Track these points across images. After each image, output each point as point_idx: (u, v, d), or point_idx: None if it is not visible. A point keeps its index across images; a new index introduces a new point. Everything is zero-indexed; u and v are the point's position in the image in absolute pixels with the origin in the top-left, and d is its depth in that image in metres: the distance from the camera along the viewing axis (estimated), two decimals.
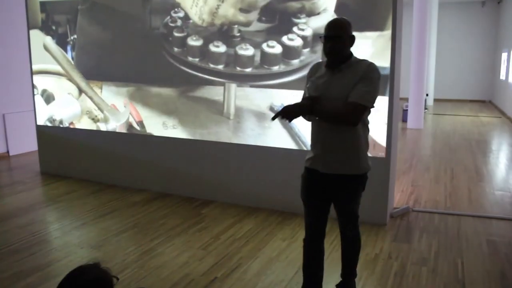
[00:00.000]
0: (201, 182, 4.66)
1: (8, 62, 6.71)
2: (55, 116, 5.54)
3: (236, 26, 4.22)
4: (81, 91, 5.27)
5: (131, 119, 4.98)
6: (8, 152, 6.85)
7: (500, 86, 12.94)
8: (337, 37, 2.21)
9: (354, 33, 2.28)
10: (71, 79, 5.32)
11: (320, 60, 2.39)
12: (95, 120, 5.22)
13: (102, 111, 5.15)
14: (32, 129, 5.88)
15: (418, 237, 3.64)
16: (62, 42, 5.34)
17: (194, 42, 4.43)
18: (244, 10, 4.14)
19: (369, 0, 3.72)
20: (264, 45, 4.14)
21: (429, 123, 10.21)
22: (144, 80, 4.82)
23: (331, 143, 2.29)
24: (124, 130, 5.06)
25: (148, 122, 4.87)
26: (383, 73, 3.67)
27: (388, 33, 3.65)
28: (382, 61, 3.67)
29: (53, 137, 5.63)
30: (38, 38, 5.48)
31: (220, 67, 4.36)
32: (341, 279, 2.59)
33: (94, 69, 5.16)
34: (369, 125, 2.41)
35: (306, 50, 3.96)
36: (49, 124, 5.62)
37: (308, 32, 3.94)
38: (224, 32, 4.29)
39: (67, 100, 5.41)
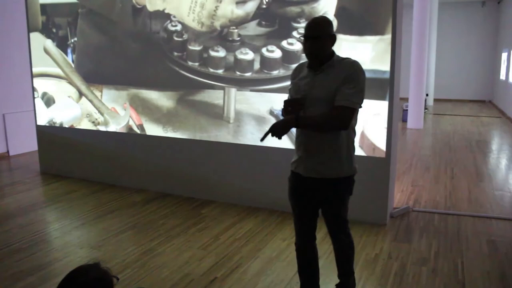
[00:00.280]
0: (201, 182, 4.66)
1: (8, 63, 6.71)
2: (55, 119, 5.55)
3: (236, 30, 4.21)
4: (81, 94, 5.27)
5: (131, 123, 4.98)
6: (8, 152, 6.85)
7: (500, 86, 12.94)
8: (315, 37, 2.16)
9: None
10: (71, 82, 5.33)
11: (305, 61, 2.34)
12: (95, 123, 5.22)
13: (102, 114, 5.15)
14: (32, 129, 5.88)
15: (418, 237, 3.64)
16: (62, 45, 5.34)
17: (194, 46, 4.43)
18: (240, 3, 4.12)
19: (369, 4, 3.72)
20: (263, 50, 4.14)
21: (429, 123, 10.20)
22: (144, 84, 4.82)
23: (311, 146, 2.24)
24: None
25: (148, 125, 4.87)
26: (383, 76, 3.69)
27: (388, 37, 3.64)
28: (383, 65, 3.67)
29: (53, 137, 5.64)
30: (39, 40, 5.48)
31: (220, 71, 4.36)
32: (339, 280, 2.58)
33: (95, 72, 5.16)
34: (357, 127, 2.35)
35: None
36: None
37: None
38: (224, 36, 4.28)
39: (67, 103, 5.41)
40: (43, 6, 5.40)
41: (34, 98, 5.70)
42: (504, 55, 12.32)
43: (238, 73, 4.29)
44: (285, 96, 2.41)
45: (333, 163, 2.23)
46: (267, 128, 2.19)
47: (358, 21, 3.74)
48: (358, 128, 3.79)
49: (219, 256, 3.30)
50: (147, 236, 3.69)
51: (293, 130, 2.30)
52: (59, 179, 5.44)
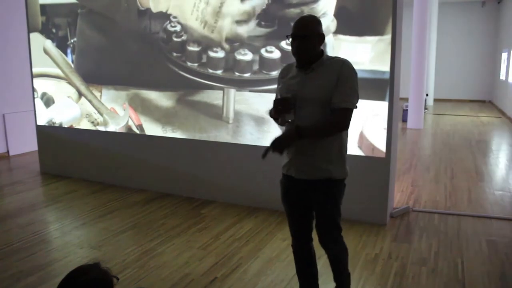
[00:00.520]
0: (201, 182, 4.66)
1: (9, 63, 6.72)
2: (54, 119, 5.55)
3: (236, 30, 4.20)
4: (80, 94, 5.27)
5: (130, 123, 4.98)
6: (8, 152, 6.85)
7: (500, 86, 12.94)
8: (303, 36, 2.11)
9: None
10: (71, 83, 5.33)
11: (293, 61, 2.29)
12: (94, 123, 5.22)
13: (101, 114, 5.15)
14: (32, 129, 5.89)
15: (418, 237, 3.64)
16: (62, 45, 5.34)
17: (193, 47, 4.43)
18: None
19: (369, 4, 3.71)
20: (262, 50, 4.14)
21: (429, 123, 10.21)
22: (144, 84, 4.82)
23: (302, 148, 2.19)
24: None
25: (147, 126, 4.87)
26: (382, 77, 3.68)
27: (388, 37, 3.63)
28: (382, 66, 3.67)
29: (53, 137, 5.64)
30: (38, 41, 5.48)
31: (219, 72, 4.36)
32: (335, 284, 2.51)
33: (94, 72, 5.16)
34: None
35: None
36: None
37: None
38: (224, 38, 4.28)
39: (66, 104, 5.41)
40: (43, 7, 5.40)
41: (34, 98, 5.70)
42: (504, 55, 12.32)
43: (237, 73, 4.29)
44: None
45: (324, 164, 2.19)
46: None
47: (357, 22, 3.74)
48: (357, 129, 3.82)
49: (219, 256, 3.30)
50: (147, 236, 3.69)
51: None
52: (59, 179, 5.44)
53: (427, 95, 12.33)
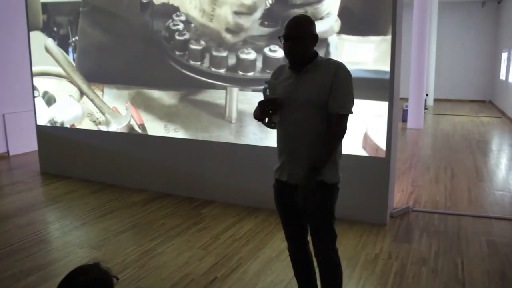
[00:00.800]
0: (201, 182, 4.66)
1: (9, 62, 6.71)
2: (56, 118, 5.54)
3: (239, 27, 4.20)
4: (82, 93, 5.27)
5: (132, 122, 4.98)
6: (8, 152, 6.85)
7: (500, 86, 12.94)
8: (296, 37, 2.03)
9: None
10: (72, 81, 5.32)
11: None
12: (96, 122, 5.22)
13: (103, 113, 5.15)
14: (32, 129, 5.88)
15: (418, 237, 3.64)
16: (63, 44, 5.34)
17: (196, 45, 4.43)
18: None
19: (372, 4, 3.71)
20: (266, 49, 4.14)
21: (429, 123, 10.20)
22: (146, 83, 4.82)
23: (295, 151, 2.14)
24: None
25: (149, 125, 4.87)
26: (385, 77, 3.68)
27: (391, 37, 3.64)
28: (386, 66, 3.66)
29: (53, 137, 5.64)
30: (40, 39, 5.47)
31: (222, 71, 4.36)
32: None
33: (96, 71, 5.15)
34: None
35: None
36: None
37: None
38: (226, 36, 4.27)
39: (68, 103, 5.41)
40: (44, 5, 5.39)
41: (34, 97, 5.70)
42: (504, 55, 12.32)
43: (240, 72, 4.28)
44: None
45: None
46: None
47: (361, 22, 3.74)
48: (362, 129, 3.82)
49: (219, 256, 3.30)
50: (147, 236, 3.69)
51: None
52: (59, 179, 5.44)
53: (427, 95, 12.33)
